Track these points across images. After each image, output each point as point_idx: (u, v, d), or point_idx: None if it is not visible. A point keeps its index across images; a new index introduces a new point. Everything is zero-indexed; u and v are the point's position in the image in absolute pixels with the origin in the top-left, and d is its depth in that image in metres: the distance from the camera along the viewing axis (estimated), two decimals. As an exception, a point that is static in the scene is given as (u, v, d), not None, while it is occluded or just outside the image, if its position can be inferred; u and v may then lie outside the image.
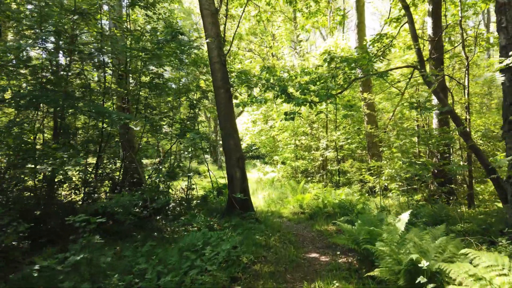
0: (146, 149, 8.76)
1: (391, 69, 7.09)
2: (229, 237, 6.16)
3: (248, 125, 17.21)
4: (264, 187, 13.70)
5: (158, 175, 6.48)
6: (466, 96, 9.88)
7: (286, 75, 7.60)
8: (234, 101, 14.20)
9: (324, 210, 8.84)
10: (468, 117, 10.12)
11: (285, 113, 6.96)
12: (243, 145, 18.91)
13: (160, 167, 7.34)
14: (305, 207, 9.68)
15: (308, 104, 7.37)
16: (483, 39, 10.88)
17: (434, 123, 10.13)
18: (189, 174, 7.62)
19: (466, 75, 10.13)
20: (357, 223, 5.33)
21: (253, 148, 24.07)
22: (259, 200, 12.20)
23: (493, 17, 25.44)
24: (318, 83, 7.18)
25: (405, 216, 4.85)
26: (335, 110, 14.12)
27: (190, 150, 7.27)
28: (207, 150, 8.52)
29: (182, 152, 7.61)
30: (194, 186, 9.99)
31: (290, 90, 7.50)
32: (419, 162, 7.28)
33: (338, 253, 6.19)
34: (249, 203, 8.13)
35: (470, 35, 11.09)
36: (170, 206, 7.36)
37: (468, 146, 7.01)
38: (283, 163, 15.40)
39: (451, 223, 5.86)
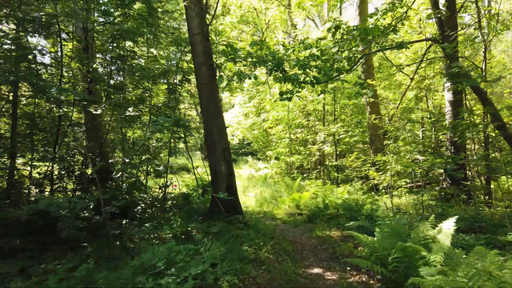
0: (120, 141, 7.13)
1: (409, 42, 5.63)
2: (209, 249, 4.64)
3: (239, 118, 15.66)
4: (256, 184, 12.18)
5: (120, 170, 4.93)
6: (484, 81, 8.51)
7: (282, 49, 6.07)
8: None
9: (325, 211, 7.36)
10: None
11: (281, 93, 5.44)
12: (234, 140, 17.32)
13: (127, 160, 5.80)
14: (302, 208, 8.20)
15: (308, 83, 5.88)
16: (500, 20, 9.51)
17: (447, 110, 8.69)
18: (158, 169, 6.06)
19: (484, 59, 8.76)
20: (378, 233, 3.85)
21: (245, 144, 22.58)
22: (250, 199, 10.69)
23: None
24: (319, 59, 5.66)
25: (448, 226, 3.37)
26: (333, 101, 12.66)
27: (158, 138, 5.70)
28: (186, 139, 6.98)
29: (146, 140, 5.98)
30: (172, 183, 8.44)
31: (287, 70, 5.98)
32: (445, 155, 5.84)
33: (348, 268, 4.72)
34: (237, 204, 6.61)
35: (485, 16, 9.69)
36: (139, 208, 5.80)
37: (503, 135, 5.60)
38: (276, 158, 13.91)
39: (496, 232, 4.41)
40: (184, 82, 7.75)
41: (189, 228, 5.76)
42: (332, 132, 11.28)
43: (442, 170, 9.52)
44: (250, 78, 5.29)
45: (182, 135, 6.52)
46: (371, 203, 6.86)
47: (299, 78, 5.17)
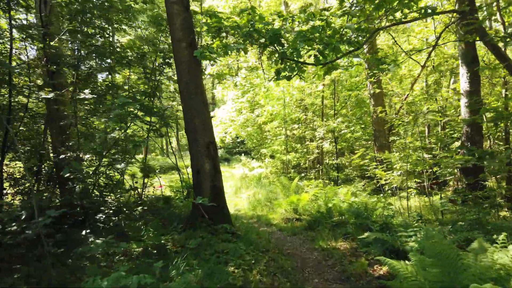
0: (76, 133, 5.76)
1: (435, 13, 4.44)
2: (182, 274, 3.43)
3: (232, 114, 14.42)
4: (250, 184, 10.97)
5: (71, 168, 3.70)
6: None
7: (277, 21, 4.86)
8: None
9: (328, 217, 6.18)
10: (507, 93, 7.70)
11: (277, 71, 4.25)
12: (227, 138, 16.01)
13: (87, 156, 4.57)
14: (301, 212, 7.02)
15: (310, 64, 4.69)
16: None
17: (463, 102, 7.56)
18: (117, 167, 4.77)
19: (504, 45, 7.69)
20: (414, 256, 2.68)
21: (238, 142, 21.37)
22: (243, 201, 9.49)
23: None
24: (324, 31, 4.46)
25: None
26: (332, 96, 11.51)
27: (118, 127, 4.45)
28: (165, 133, 5.81)
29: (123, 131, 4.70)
30: (152, 184, 7.21)
31: (285, 45, 4.76)
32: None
33: (366, 297, 3.54)
34: (224, 208, 5.40)
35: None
36: (101, 215, 4.55)
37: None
38: (271, 157, 12.71)
39: None
40: (163, 66, 6.53)
41: (162, 241, 4.54)
42: (332, 127, 10.12)
43: (450, 169, 8.46)
44: (238, 51, 4.10)
45: (157, 126, 5.28)
46: (383, 208, 5.69)
47: (300, 51, 3.97)
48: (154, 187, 7.64)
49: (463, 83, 7.66)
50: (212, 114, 17.08)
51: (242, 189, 10.74)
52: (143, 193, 6.29)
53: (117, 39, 6.87)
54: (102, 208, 4.60)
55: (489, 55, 9.02)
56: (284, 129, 11.58)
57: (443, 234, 3.94)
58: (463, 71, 7.69)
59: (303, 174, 10.92)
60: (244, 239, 5.00)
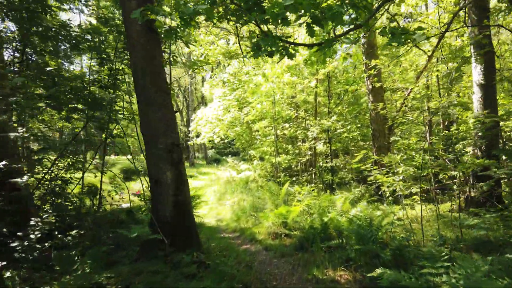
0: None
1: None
2: None
3: (219, 112, 13.14)
4: (235, 189, 9.68)
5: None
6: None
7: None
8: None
9: (323, 233, 4.95)
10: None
11: (256, 45, 2.99)
12: (215, 139, 14.59)
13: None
14: (291, 226, 5.77)
15: (300, 45, 3.44)
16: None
17: (476, 97, 6.42)
18: (16, 180, 3.42)
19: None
20: None
21: (229, 142, 20.07)
22: (226, 209, 8.21)
23: None
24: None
25: None
26: (326, 92, 10.32)
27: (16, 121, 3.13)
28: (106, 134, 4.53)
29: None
30: (116, 194, 5.92)
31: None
32: None
33: None
34: (190, 229, 4.11)
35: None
36: (16, 245, 3.23)
37: None
38: (261, 158, 11.45)
39: None
40: (124, 51, 5.23)
41: (101, 279, 3.23)
42: (326, 127, 8.91)
43: (455, 173, 7.36)
44: (199, 14, 2.83)
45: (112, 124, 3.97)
46: (391, 224, 4.46)
47: (285, 14, 2.73)
48: (121, 196, 6.33)
49: (476, 76, 6.52)
50: (198, 113, 15.72)
51: (226, 195, 9.45)
52: (100, 206, 4.97)
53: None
54: (19, 233, 3.28)
55: (501, 48, 7.91)
56: (274, 129, 10.33)
57: (485, 271, 2.73)
58: (475, 62, 6.57)
59: (294, 178, 9.68)
60: (216, 270, 3.72)
